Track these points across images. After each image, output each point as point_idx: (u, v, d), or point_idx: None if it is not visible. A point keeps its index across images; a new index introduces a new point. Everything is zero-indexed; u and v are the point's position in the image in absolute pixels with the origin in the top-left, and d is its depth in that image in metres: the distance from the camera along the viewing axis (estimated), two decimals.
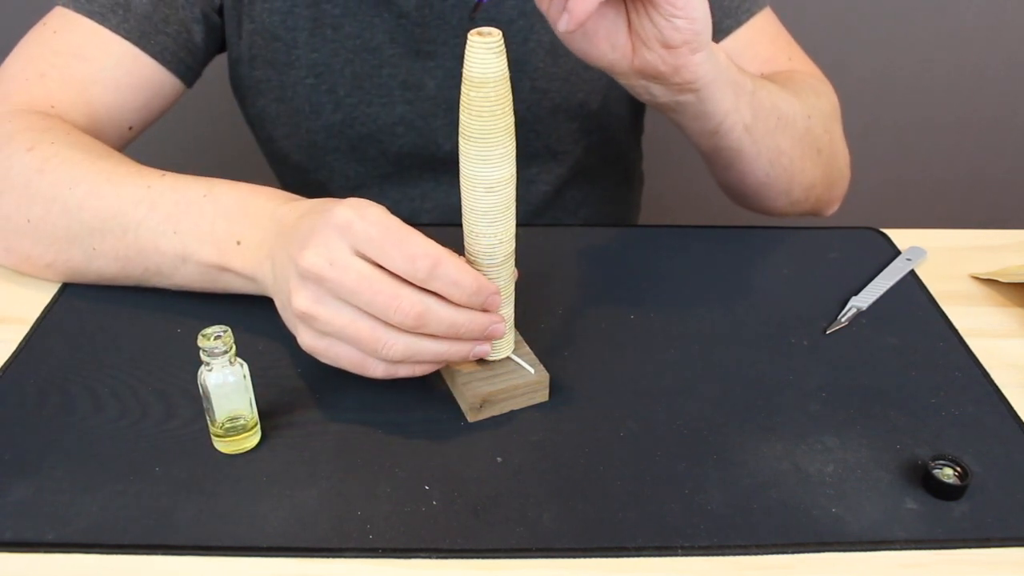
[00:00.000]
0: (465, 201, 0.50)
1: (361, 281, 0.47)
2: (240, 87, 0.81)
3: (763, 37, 0.80)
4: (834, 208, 0.81)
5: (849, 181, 0.81)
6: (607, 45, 0.57)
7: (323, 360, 0.51)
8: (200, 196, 0.57)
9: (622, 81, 0.60)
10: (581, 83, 0.79)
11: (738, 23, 0.77)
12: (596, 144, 0.86)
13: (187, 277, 0.59)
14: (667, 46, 0.56)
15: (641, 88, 0.60)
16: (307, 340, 0.50)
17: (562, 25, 0.52)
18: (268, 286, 0.55)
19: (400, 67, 0.76)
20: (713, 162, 0.72)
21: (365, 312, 0.48)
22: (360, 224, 0.47)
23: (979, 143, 1.55)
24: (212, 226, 0.56)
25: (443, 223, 0.82)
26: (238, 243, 0.56)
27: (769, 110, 0.68)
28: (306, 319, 0.49)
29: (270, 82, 0.78)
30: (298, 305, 0.49)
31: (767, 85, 0.69)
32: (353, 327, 0.48)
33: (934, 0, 1.40)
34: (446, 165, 0.82)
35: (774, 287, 0.67)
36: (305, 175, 0.85)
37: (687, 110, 0.63)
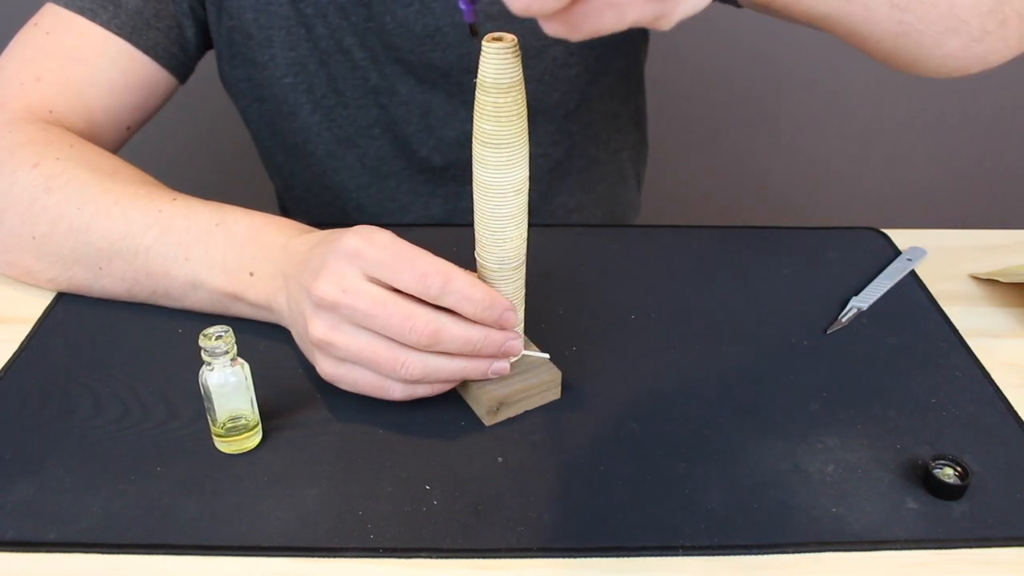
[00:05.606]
0: (478, 207, 0.50)
1: (375, 305, 0.48)
2: (225, 84, 0.80)
3: None
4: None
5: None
6: None
7: (343, 387, 0.51)
8: (212, 225, 0.57)
9: None
10: (556, 83, 0.78)
11: None
12: (579, 145, 0.84)
13: (199, 302, 0.59)
14: None
15: None
16: (327, 368, 0.51)
17: None
18: (284, 317, 0.55)
19: (371, 71, 0.75)
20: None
21: (381, 335, 0.48)
22: (370, 250, 0.48)
23: (979, 143, 1.55)
24: (223, 257, 0.56)
25: (444, 223, 0.81)
26: (251, 275, 0.56)
27: None
28: (323, 347, 0.50)
29: (250, 80, 0.77)
30: (315, 333, 0.49)
31: None
32: (370, 350, 0.49)
33: None
34: (424, 173, 0.81)
35: (774, 287, 0.67)
36: (290, 177, 0.84)
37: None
